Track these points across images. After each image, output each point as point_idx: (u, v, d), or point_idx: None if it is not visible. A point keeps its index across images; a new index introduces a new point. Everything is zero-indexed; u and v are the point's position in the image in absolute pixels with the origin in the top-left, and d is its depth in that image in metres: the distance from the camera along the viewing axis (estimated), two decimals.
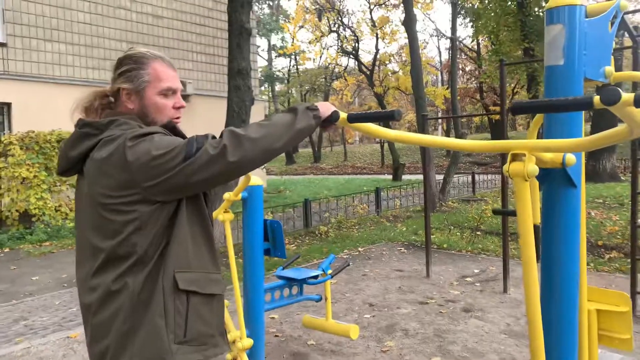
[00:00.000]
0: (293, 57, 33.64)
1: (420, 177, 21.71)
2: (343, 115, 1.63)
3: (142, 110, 1.56)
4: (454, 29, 11.54)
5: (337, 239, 8.33)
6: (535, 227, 2.84)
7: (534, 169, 1.37)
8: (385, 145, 32.09)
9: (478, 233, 8.22)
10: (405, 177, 20.36)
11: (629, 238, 7.09)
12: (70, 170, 1.58)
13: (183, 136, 1.60)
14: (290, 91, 38.43)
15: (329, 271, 3.87)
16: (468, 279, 5.85)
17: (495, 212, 3.00)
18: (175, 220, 1.46)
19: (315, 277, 3.76)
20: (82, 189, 1.54)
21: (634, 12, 4.17)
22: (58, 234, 9.47)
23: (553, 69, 1.72)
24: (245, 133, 1.39)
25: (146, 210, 1.40)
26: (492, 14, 13.88)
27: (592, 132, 15.30)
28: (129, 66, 1.55)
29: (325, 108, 1.59)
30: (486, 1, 14.38)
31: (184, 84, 12.65)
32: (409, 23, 10.80)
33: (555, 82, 1.73)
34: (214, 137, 1.41)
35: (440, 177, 11.80)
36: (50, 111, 10.75)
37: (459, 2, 11.87)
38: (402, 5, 20.60)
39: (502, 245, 5.51)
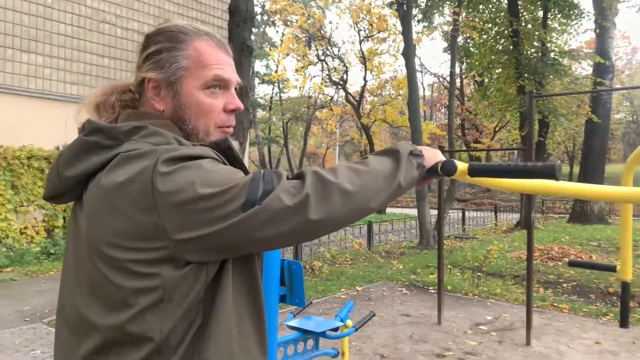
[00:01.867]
0: (277, 84, 33.46)
1: (405, 210, 21.42)
2: (461, 166, 1.10)
3: (175, 112, 1.04)
4: (453, 62, 11.33)
5: (331, 276, 7.73)
6: (625, 284, 2.38)
7: None
8: None
9: (479, 274, 7.75)
10: (389, 210, 19.95)
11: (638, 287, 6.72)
12: (63, 196, 1.03)
13: (241, 164, 1.05)
14: (272, 118, 38.14)
15: (348, 321, 3.30)
16: (482, 327, 5.32)
17: (571, 264, 2.51)
18: (217, 292, 0.94)
19: (336, 329, 3.18)
20: (78, 224, 0.99)
21: None
22: (22, 259, 8.60)
23: None
24: (337, 181, 0.91)
25: (173, 274, 0.89)
26: (487, 51, 13.83)
27: (584, 148, 15.21)
28: (160, 45, 1.03)
29: (431, 154, 1.11)
30: (481, 39, 14.38)
31: None
32: (408, 54, 10.53)
33: None
34: (290, 177, 0.93)
35: (433, 213, 11.38)
36: (22, 126, 10.01)
37: (457, 35, 11.71)
38: (390, 38, 20.66)
39: (525, 292, 5.03)
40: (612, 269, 2.37)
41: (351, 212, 0.93)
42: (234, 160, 1.02)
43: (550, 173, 0.99)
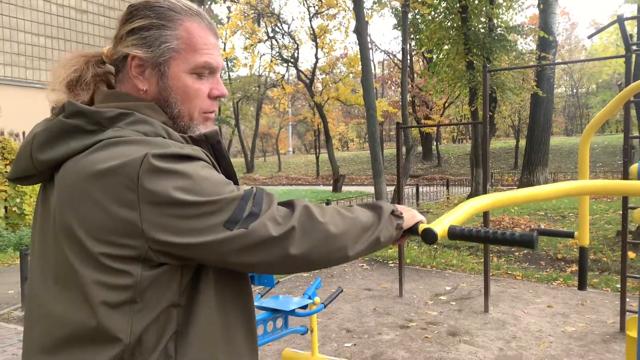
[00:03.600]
0: (225, 63, 32.73)
1: (360, 188, 21.68)
2: (441, 231, 1.05)
3: (160, 94, 0.98)
4: (404, 39, 11.38)
5: None
6: (583, 249, 2.49)
7: None
8: (322, 155, 31.92)
9: (436, 247, 7.97)
10: (344, 188, 20.11)
11: (591, 253, 7.11)
12: (32, 178, 0.95)
13: (229, 162, 1.01)
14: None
15: (316, 298, 3.31)
16: (442, 297, 5.49)
17: (540, 232, 2.58)
18: (195, 297, 0.90)
19: (304, 307, 3.18)
20: (48, 209, 0.92)
21: (632, 18, 4.02)
22: None
23: None
24: (323, 220, 0.92)
25: (145, 274, 0.85)
26: (437, 27, 14.00)
27: (530, 122, 15.78)
28: (148, 21, 0.96)
29: (410, 215, 1.11)
30: (430, 16, 14.52)
31: None
32: (360, 30, 10.49)
33: None
34: (283, 203, 0.93)
35: (390, 189, 11.55)
36: None
37: (408, 11, 11.77)
38: (340, 14, 20.53)
39: (480, 262, 5.20)
40: (571, 235, 2.46)
41: (329, 254, 0.92)
42: (221, 157, 1.00)
43: (529, 243, 1.00)
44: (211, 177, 0.87)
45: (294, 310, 3.13)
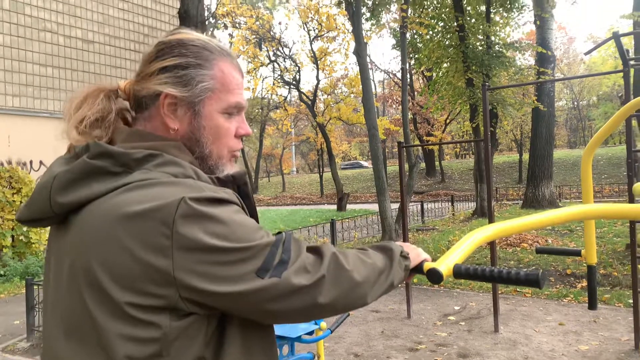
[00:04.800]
0: None
1: (364, 206, 21.62)
2: (445, 269, 1.06)
3: (192, 133, 0.95)
4: (403, 59, 11.48)
5: None
6: (591, 268, 2.47)
7: None
8: (325, 174, 31.95)
9: None
10: (349, 206, 20.07)
11: (600, 268, 7.04)
12: (46, 220, 0.91)
13: (252, 202, 1.00)
14: None
15: (322, 324, 3.28)
16: (451, 317, 5.43)
17: (539, 251, 2.57)
18: (220, 348, 0.86)
19: (311, 332, 3.15)
20: (61, 251, 0.88)
21: (627, 34, 4.05)
22: None
23: None
24: (349, 268, 0.91)
25: (173, 325, 0.80)
26: (435, 46, 14.13)
27: (532, 136, 15.81)
28: (184, 59, 0.94)
29: (414, 254, 1.11)
30: (428, 35, 14.67)
31: None
32: (360, 51, 10.60)
33: None
34: (311, 249, 0.91)
35: (395, 206, 11.52)
36: None
37: (406, 31, 11.89)
38: (340, 37, 20.78)
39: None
40: (577, 253, 2.44)
41: (353, 302, 0.92)
42: (246, 198, 0.98)
43: (534, 282, 1.01)
44: (244, 222, 0.85)
45: (300, 336, 3.10)
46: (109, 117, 0.95)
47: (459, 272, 1.06)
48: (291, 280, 0.83)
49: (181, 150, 0.93)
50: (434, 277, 1.04)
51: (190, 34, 0.98)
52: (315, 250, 0.91)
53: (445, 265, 1.04)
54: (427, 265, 1.07)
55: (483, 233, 1.10)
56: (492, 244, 5.06)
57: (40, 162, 11.43)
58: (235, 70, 1.00)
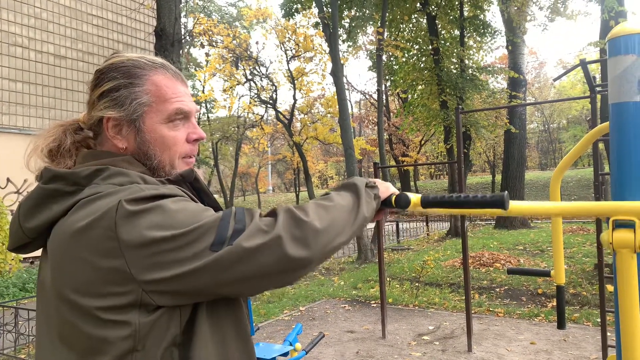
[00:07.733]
0: (204, 104, 32.93)
1: None
2: (414, 198, 1.11)
3: (140, 148, 1.01)
4: (379, 81, 11.66)
5: (272, 297, 7.61)
6: (560, 288, 2.51)
7: None
8: (302, 194, 31.88)
9: (417, 285, 7.94)
10: None
11: (570, 287, 7.18)
12: (28, 246, 0.99)
13: (209, 195, 1.04)
14: None
15: (297, 345, 3.24)
16: (425, 337, 5.43)
17: (510, 271, 2.61)
18: (193, 338, 0.90)
19: (286, 354, 3.12)
20: (44, 274, 0.95)
21: (594, 62, 4.21)
22: None
23: (625, 106, 1.38)
24: (308, 219, 0.90)
25: (143, 321, 0.85)
26: (410, 69, 14.41)
27: (505, 157, 16.13)
28: (116, 82, 1.00)
29: (384, 187, 1.14)
30: (404, 58, 14.95)
31: None
32: (336, 72, 10.73)
33: (632, 122, 1.38)
34: (268, 214, 0.93)
35: (370, 226, 11.57)
36: None
37: (382, 54, 12.11)
38: (317, 57, 20.99)
39: (462, 299, 5.19)
40: (547, 274, 2.48)
41: (323, 248, 0.91)
42: (200, 191, 1.03)
43: (500, 203, 1.01)
44: (186, 208, 0.88)
45: (274, 358, 3.07)
46: (64, 146, 1.02)
47: (427, 201, 1.09)
48: (245, 243, 0.84)
49: (131, 163, 0.98)
50: (402, 201, 1.07)
51: (121, 57, 1.03)
52: (270, 213, 0.93)
53: (414, 195, 1.08)
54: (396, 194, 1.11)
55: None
56: (465, 264, 5.11)
57: (8, 180, 11.13)
58: (170, 79, 1.04)
